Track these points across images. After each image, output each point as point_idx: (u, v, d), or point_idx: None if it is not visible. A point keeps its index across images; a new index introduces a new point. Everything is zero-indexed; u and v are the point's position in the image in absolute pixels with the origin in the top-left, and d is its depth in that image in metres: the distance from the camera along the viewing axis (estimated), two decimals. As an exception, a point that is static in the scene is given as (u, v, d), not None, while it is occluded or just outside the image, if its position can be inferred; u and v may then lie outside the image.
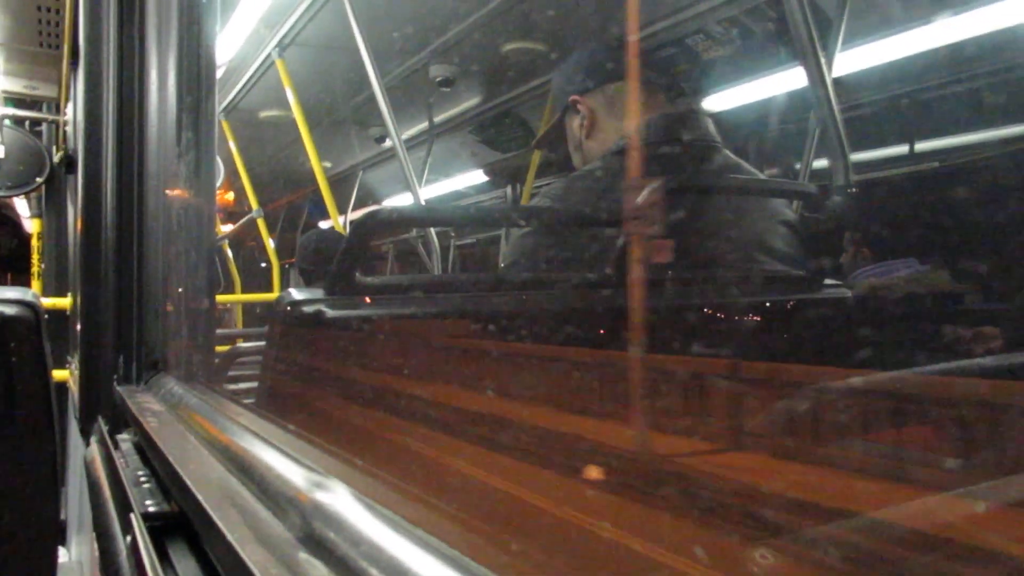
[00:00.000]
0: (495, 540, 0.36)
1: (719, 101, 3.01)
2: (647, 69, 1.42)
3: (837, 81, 1.67)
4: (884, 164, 2.87)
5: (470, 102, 3.98)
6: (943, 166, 2.69)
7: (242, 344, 2.26)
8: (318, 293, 0.99)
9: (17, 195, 3.03)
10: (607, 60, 1.41)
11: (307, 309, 0.97)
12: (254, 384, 1.48)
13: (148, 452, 0.82)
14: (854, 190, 1.42)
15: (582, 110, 1.39)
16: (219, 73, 3.50)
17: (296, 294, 1.00)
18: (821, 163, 1.95)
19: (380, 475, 0.48)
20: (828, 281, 1.34)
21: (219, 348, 2.23)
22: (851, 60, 2.47)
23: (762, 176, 1.75)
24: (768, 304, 1.24)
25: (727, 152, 1.37)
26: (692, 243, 1.25)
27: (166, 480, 0.69)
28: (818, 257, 1.36)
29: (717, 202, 1.32)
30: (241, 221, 4.44)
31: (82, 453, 1.24)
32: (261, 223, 4.06)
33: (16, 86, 3.29)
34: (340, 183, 5.16)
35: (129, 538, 0.63)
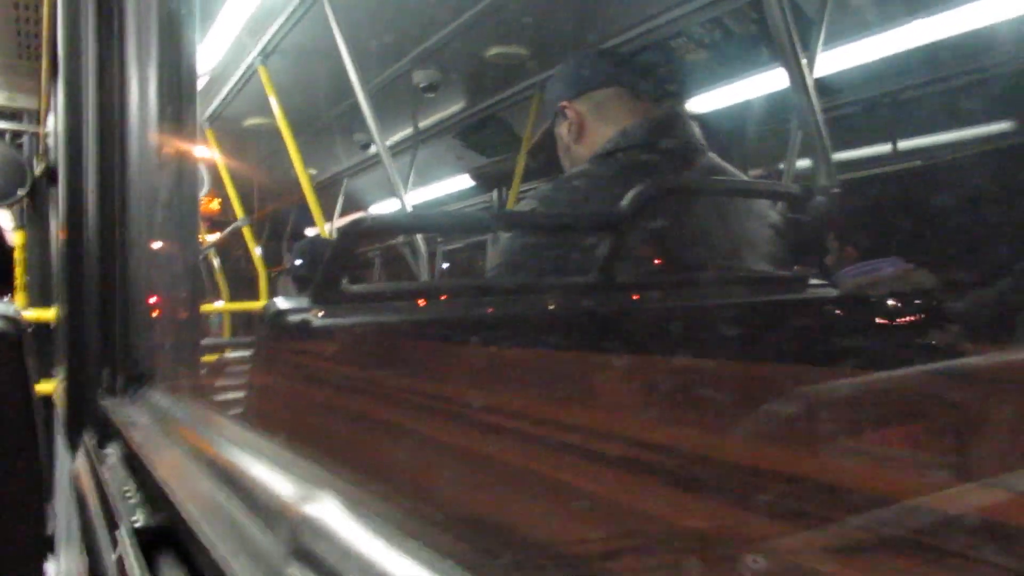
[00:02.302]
0: (492, 552, 0.36)
1: (702, 103, 3.02)
2: (633, 74, 1.43)
3: (819, 81, 1.68)
4: (867, 163, 2.89)
5: (454, 107, 3.98)
6: (926, 165, 2.71)
7: (229, 354, 2.24)
8: (304, 302, 0.98)
9: (-1, 208, 3.00)
10: (594, 66, 1.42)
11: (293, 318, 0.96)
12: (242, 394, 1.47)
13: (135, 465, 0.81)
14: (838, 190, 1.43)
15: (570, 115, 1.41)
16: (202, 82, 3.49)
17: (282, 303, 1.00)
18: (802, 164, 1.96)
19: (371, 487, 0.47)
20: (814, 281, 1.34)
21: (206, 358, 2.21)
22: (833, 60, 2.49)
23: (746, 178, 1.75)
24: (753, 305, 1.25)
25: (711, 155, 1.38)
26: (678, 246, 1.25)
27: (153, 494, 0.68)
28: (803, 257, 1.37)
29: (702, 205, 1.33)
30: (227, 230, 4.42)
31: (68, 467, 1.23)
32: (247, 231, 4.04)
33: (-5, 98, 3.27)
34: (325, 190, 5.14)
35: (117, 552, 0.63)
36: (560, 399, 0.83)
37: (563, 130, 1.43)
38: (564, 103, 1.42)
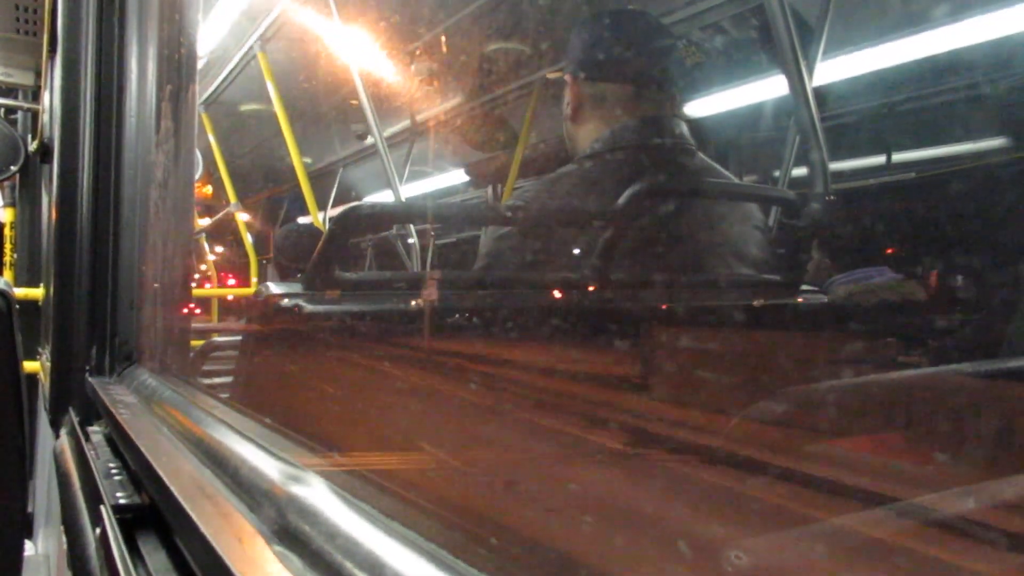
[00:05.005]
0: (474, 535, 0.36)
1: (700, 107, 3.03)
2: (647, 76, 1.39)
3: (817, 90, 1.68)
4: (862, 174, 2.90)
5: (452, 101, 3.97)
6: (919, 177, 2.72)
7: (217, 338, 2.24)
8: (296, 287, 0.98)
9: (-10, 183, 2.98)
10: (610, 55, 1.37)
11: (285, 303, 0.96)
12: (229, 379, 1.47)
13: (120, 444, 0.81)
14: (833, 197, 1.43)
15: (572, 91, 1.37)
16: (200, 65, 3.47)
17: (274, 288, 1.00)
18: (795, 171, 1.96)
19: (356, 469, 0.48)
20: (804, 287, 1.35)
21: (194, 342, 2.20)
22: (832, 69, 2.49)
23: (736, 180, 1.76)
24: (742, 308, 1.25)
25: (701, 156, 1.37)
26: (666, 246, 1.25)
27: (138, 472, 0.68)
28: (794, 263, 1.37)
29: (691, 206, 1.33)
30: (219, 215, 4.41)
31: (51, 445, 1.22)
32: (239, 217, 4.03)
33: (-9, 73, 3.23)
34: (320, 179, 5.13)
35: (99, 530, 0.63)
36: (543, 389, 0.83)
37: (565, 96, 1.40)
38: (569, 77, 1.38)
